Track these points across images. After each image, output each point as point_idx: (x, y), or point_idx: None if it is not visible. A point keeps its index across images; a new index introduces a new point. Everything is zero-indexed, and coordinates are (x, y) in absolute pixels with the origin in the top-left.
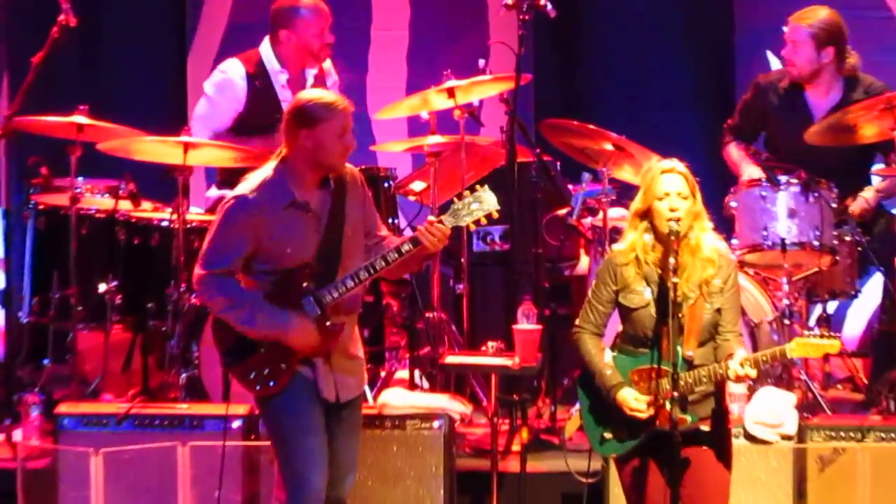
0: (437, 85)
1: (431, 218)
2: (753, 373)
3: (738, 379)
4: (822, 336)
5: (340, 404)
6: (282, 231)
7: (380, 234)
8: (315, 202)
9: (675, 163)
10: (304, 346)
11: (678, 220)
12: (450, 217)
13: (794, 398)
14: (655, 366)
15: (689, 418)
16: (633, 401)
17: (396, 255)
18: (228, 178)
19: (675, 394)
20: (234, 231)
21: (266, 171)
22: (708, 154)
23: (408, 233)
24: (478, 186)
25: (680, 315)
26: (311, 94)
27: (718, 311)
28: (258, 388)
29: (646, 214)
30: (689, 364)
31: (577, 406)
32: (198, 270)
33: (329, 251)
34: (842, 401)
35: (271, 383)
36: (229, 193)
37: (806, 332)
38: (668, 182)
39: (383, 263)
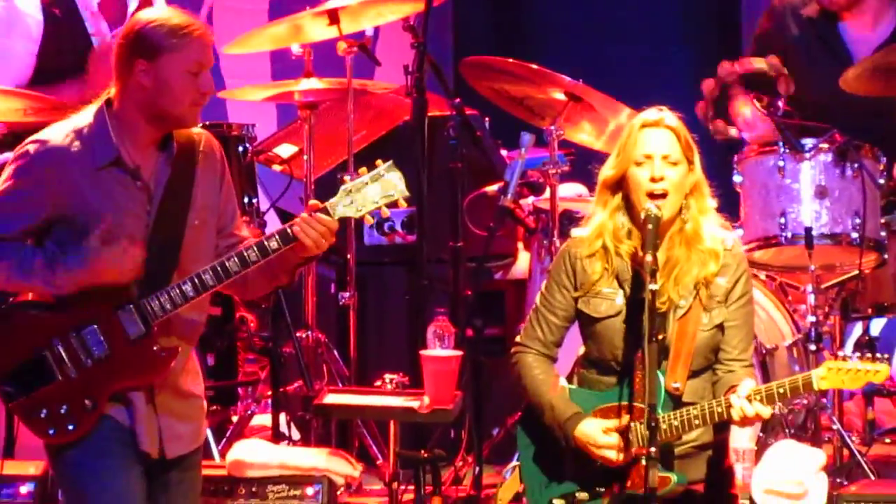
0: (313, 6)
1: (315, 202)
2: (767, 412)
3: (745, 421)
4: (862, 359)
5: (167, 462)
6: (95, 198)
7: (238, 233)
8: (148, 170)
9: (663, 113)
10: (122, 273)
11: (662, 194)
12: (338, 204)
13: (823, 457)
14: (626, 403)
15: (672, 477)
16: (602, 436)
17: (258, 255)
18: (14, 141)
19: (653, 449)
20: (26, 187)
21: (82, 117)
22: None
23: (272, 221)
24: (378, 162)
25: (662, 335)
26: (154, 13)
27: (721, 328)
28: (51, 432)
29: (619, 186)
30: (676, 401)
31: (515, 461)
32: None
33: (163, 243)
34: (890, 461)
35: (70, 427)
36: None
37: (840, 355)
38: (650, 140)
39: (237, 265)
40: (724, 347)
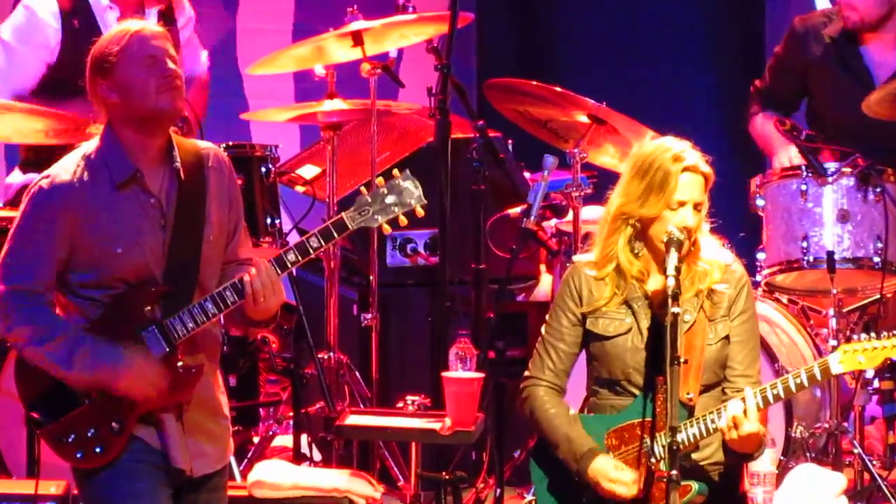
0: (337, 27)
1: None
2: (754, 415)
3: (736, 425)
4: (876, 337)
5: (195, 482)
6: (110, 221)
7: (240, 255)
8: (156, 185)
9: (697, 157)
10: (143, 395)
11: (688, 230)
12: (355, 214)
13: (844, 481)
14: (643, 420)
15: (694, 486)
16: (613, 471)
17: (214, 309)
18: (38, 157)
19: (674, 472)
20: (43, 228)
21: (90, 144)
22: (725, 129)
23: (295, 239)
24: (395, 172)
25: (685, 359)
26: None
27: (727, 339)
28: (79, 456)
29: (641, 220)
30: (689, 412)
31: (533, 490)
32: None
33: (181, 260)
34: None
35: (98, 450)
36: (37, 177)
37: (855, 337)
38: (688, 187)
39: (214, 309)
40: (729, 364)
